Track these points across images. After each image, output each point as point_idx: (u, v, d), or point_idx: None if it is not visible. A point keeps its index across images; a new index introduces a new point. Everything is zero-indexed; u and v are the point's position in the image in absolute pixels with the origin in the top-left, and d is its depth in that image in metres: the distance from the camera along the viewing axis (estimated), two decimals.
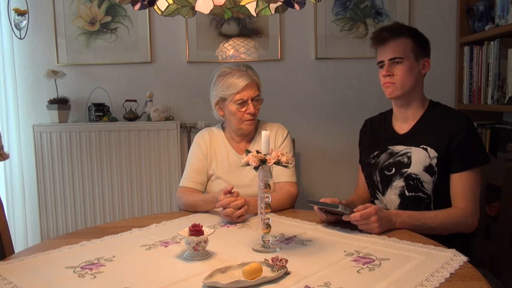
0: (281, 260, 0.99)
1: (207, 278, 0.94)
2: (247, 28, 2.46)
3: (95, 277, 1.01)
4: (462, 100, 2.45)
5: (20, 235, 2.44)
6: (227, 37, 2.45)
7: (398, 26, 1.51)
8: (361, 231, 1.28)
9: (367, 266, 1.03)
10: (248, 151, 1.17)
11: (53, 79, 2.36)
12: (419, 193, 1.45)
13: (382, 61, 1.50)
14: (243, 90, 1.61)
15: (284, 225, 1.40)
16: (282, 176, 1.67)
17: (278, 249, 1.16)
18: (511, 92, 2.05)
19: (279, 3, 1.15)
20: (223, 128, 1.79)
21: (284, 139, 1.74)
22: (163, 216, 1.53)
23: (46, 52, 2.46)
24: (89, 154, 2.37)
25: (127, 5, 2.33)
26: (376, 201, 1.58)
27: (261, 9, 1.14)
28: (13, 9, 2.28)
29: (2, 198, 1.39)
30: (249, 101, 1.63)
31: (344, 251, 1.13)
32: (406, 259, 1.06)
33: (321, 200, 1.34)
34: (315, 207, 1.38)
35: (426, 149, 1.44)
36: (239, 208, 1.41)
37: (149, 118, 2.41)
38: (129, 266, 1.08)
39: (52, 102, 2.37)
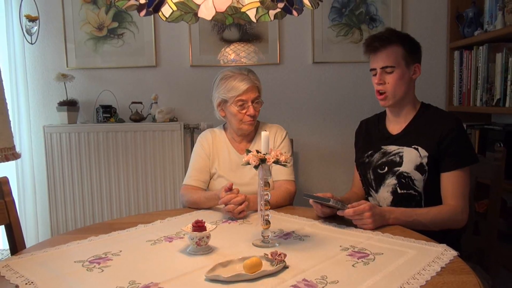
0: (280, 254, 1.01)
1: (210, 272, 0.97)
2: (248, 34, 2.50)
3: (102, 270, 1.04)
4: (452, 102, 2.48)
5: (31, 230, 2.48)
6: (229, 42, 2.48)
7: (388, 34, 1.51)
8: (356, 227, 1.31)
9: (362, 260, 1.05)
10: (248, 151, 1.19)
11: (62, 82, 2.41)
12: (411, 191, 1.48)
13: (375, 69, 1.52)
14: (244, 93, 1.64)
15: (283, 221, 1.42)
16: (281, 174, 1.70)
17: (277, 244, 1.18)
18: (499, 94, 2.07)
19: (278, 10, 1.16)
20: (224, 129, 1.82)
21: (283, 139, 1.77)
22: (168, 213, 1.55)
23: (56, 56, 2.50)
24: (97, 153, 2.40)
25: (133, 12, 2.39)
26: (369, 198, 1.60)
27: (261, 16, 1.16)
28: (25, 16, 2.33)
29: (14, 195, 1.38)
30: (250, 103, 1.66)
31: (340, 246, 1.15)
32: (399, 254, 1.08)
33: (315, 195, 1.38)
34: (311, 201, 1.41)
35: (417, 149, 1.47)
36: (240, 204, 1.44)
37: (154, 119, 2.45)
38: (135, 260, 1.10)
39: (61, 104, 2.41)
